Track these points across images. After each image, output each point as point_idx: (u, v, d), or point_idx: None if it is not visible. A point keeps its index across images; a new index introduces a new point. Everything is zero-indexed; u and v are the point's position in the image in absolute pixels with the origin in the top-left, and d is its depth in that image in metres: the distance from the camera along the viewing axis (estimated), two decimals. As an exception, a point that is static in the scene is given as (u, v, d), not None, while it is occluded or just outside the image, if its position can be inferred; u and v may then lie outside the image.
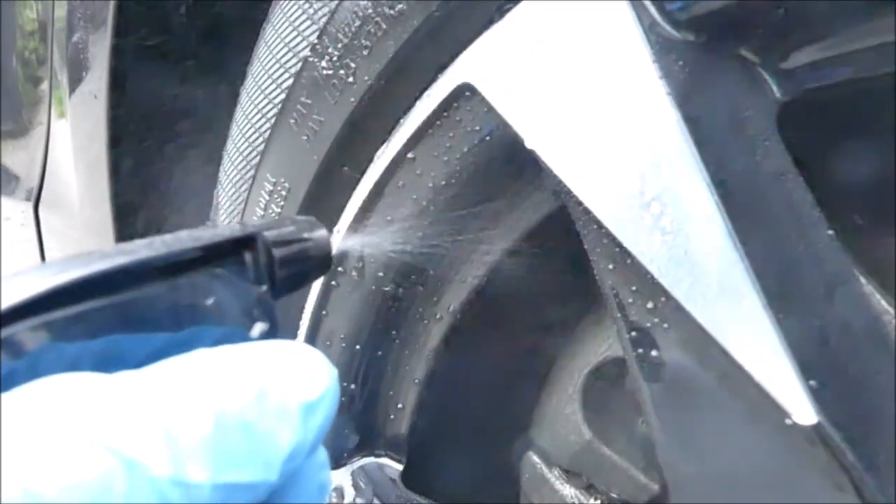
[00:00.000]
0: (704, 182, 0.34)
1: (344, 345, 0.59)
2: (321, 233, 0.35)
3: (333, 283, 0.57)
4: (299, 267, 0.34)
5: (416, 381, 0.61)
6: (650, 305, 0.37)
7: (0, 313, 0.25)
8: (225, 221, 0.61)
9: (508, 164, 0.47)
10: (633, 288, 0.38)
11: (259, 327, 0.31)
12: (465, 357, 0.62)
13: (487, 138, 0.45)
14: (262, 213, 0.56)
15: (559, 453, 0.65)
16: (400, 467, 0.64)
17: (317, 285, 0.57)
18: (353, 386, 0.60)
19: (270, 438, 0.26)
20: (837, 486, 0.33)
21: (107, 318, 0.27)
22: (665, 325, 0.36)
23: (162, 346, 0.28)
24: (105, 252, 0.28)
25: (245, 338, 0.30)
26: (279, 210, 0.55)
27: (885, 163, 0.41)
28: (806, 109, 0.38)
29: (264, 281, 0.31)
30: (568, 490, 0.66)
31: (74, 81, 0.87)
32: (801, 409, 0.33)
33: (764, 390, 0.33)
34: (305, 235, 0.34)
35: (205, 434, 0.25)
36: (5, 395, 0.24)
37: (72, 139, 0.91)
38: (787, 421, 0.33)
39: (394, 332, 0.59)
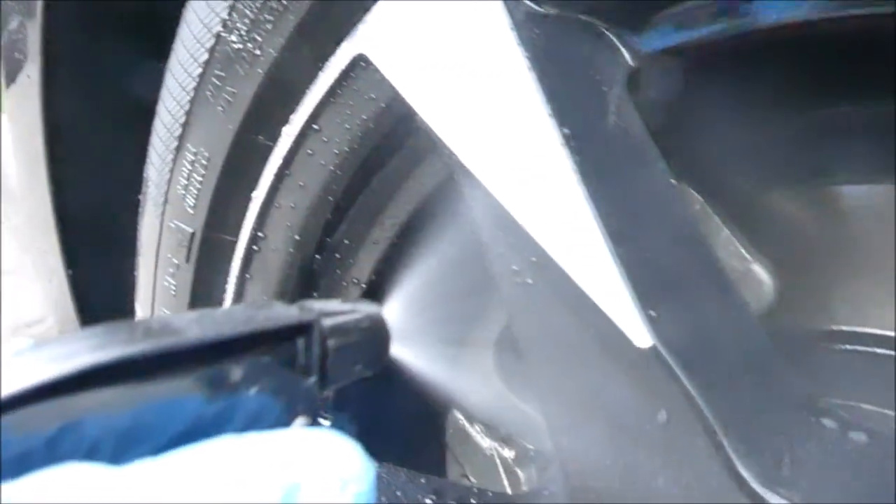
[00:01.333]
0: (558, 136, 0.39)
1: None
2: (382, 325, 0.33)
3: (255, 247, 0.60)
4: (353, 360, 0.31)
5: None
6: (520, 248, 0.41)
7: (19, 393, 0.23)
8: (154, 194, 0.64)
9: (407, 131, 0.51)
10: (503, 235, 0.42)
11: (302, 419, 0.29)
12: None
13: (384, 106, 0.49)
14: (185, 182, 0.60)
15: (478, 407, 0.70)
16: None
17: (240, 250, 0.61)
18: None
19: None
20: (674, 404, 0.38)
21: (139, 396, 0.25)
22: (532, 259, 0.40)
23: (191, 424, 0.26)
24: (150, 327, 0.26)
25: (280, 420, 0.28)
26: (200, 179, 0.59)
27: (732, 125, 0.46)
28: (658, 73, 0.43)
29: (313, 371, 0.30)
30: (488, 443, 0.71)
31: (11, 71, 0.89)
32: (639, 335, 0.37)
33: (608, 318, 0.38)
34: (365, 326, 0.32)
35: None
36: (6, 486, 0.22)
37: (10, 128, 0.94)
38: (628, 345, 0.38)
39: (315, 296, 0.63)
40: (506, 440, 0.70)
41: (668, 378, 0.37)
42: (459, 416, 0.73)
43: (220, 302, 0.64)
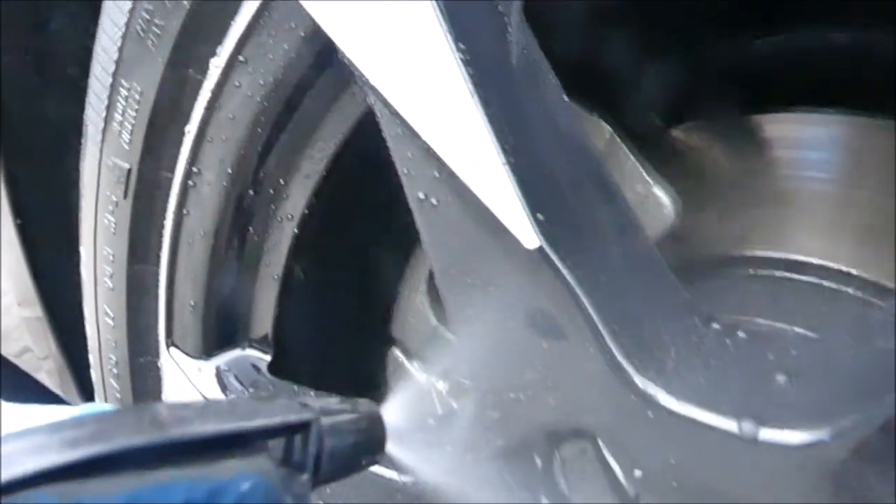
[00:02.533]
0: (456, 54, 0.41)
1: (205, 243, 0.64)
2: (379, 426, 0.34)
3: (191, 182, 0.62)
4: (346, 459, 0.32)
5: (276, 277, 0.67)
6: (425, 165, 0.44)
7: (21, 478, 0.24)
8: (93, 133, 0.65)
9: (330, 61, 0.53)
10: (411, 154, 0.44)
11: None
12: (321, 253, 0.68)
13: (304, 36, 0.51)
14: (120, 118, 0.61)
15: (412, 342, 0.72)
16: (267, 358, 0.70)
17: (176, 185, 0.62)
18: (215, 281, 0.66)
19: None
20: (561, 302, 0.40)
21: (136, 481, 0.26)
22: (436, 175, 0.43)
23: None
24: (158, 416, 0.27)
25: None
26: (134, 115, 0.60)
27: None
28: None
29: (307, 469, 0.30)
30: (424, 378, 0.74)
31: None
32: (528, 237, 0.40)
33: (501, 223, 0.40)
34: (363, 427, 0.33)
35: None
36: None
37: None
38: (519, 247, 0.40)
39: (251, 230, 0.65)
40: (441, 374, 0.73)
41: (555, 277, 0.40)
42: (399, 353, 0.75)
43: (158, 239, 0.66)
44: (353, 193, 0.63)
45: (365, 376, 0.76)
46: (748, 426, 0.37)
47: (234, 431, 0.28)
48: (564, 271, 0.40)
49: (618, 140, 0.53)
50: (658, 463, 0.40)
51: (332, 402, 0.34)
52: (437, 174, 0.43)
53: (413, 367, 0.75)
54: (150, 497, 0.26)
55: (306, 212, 0.63)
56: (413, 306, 0.71)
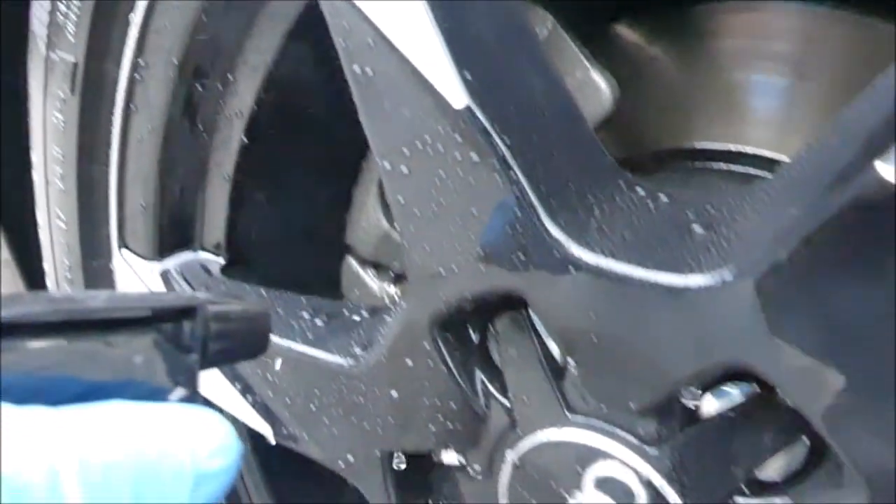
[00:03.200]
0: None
1: (154, 141, 0.64)
2: (264, 320, 0.37)
3: (138, 76, 0.62)
4: (232, 345, 0.35)
5: (227, 177, 0.67)
6: (359, 32, 0.44)
7: None
8: (38, 28, 0.65)
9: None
10: (347, 24, 0.44)
11: (179, 392, 0.32)
12: (272, 154, 0.68)
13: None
14: (65, 8, 0.61)
15: (365, 247, 0.73)
16: (221, 261, 0.71)
17: (123, 80, 0.62)
18: (165, 180, 0.66)
19: (156, 497, 0.27)
20: (486, 160, 0.41)
21: (43, 357, 0.29)
22: (370, 43, 0.43)
23: (86, 390, 0.30)
24: (53, 297, 0.29)
25: (160, 390, 0.32)
26: (79, 3, 0.60)
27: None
28: None
29: (196, 351, 0.33)
30: (377, 284, 0.75)
31: None
32: (456, 96, 0.40)
33: (431, 84, 0.41)
34: (248, 316, 0.36)
35: (90, 482, 0.26)
36: None
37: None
38: (448, 107, 0.41)
39: (200, 128, 0.65)
40: (392, 280, 0.74)
41: (482, 135, 0.40)
42: (353, 262, 0.76)
43: (107, 137, 0.65)
44: (303, 89, 0.63)
45: (320, 285, 0.76)
46: (666, 276, 0.38)
47: (123, 311, 0.31)
48: (492, 131, 0.40)
49: (559, 29, 0.53)
50: (582, 322, 0.41)
51: (220, 295, 0.37)
52: (371, 42, 0.43)
53: (367, 275, 0.76)
54: (57, 382, 0.29)
55: (255, 108, 0.63)
56: (365, 211, 0.71)
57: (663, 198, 0.42)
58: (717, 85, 0.58)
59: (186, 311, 0.33)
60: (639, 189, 0.43)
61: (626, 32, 0.60)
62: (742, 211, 0.37)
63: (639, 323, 0.39)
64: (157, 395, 0.31)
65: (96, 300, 0.31)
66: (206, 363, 0.33)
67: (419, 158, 0.44)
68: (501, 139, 0.40)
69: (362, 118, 0.47)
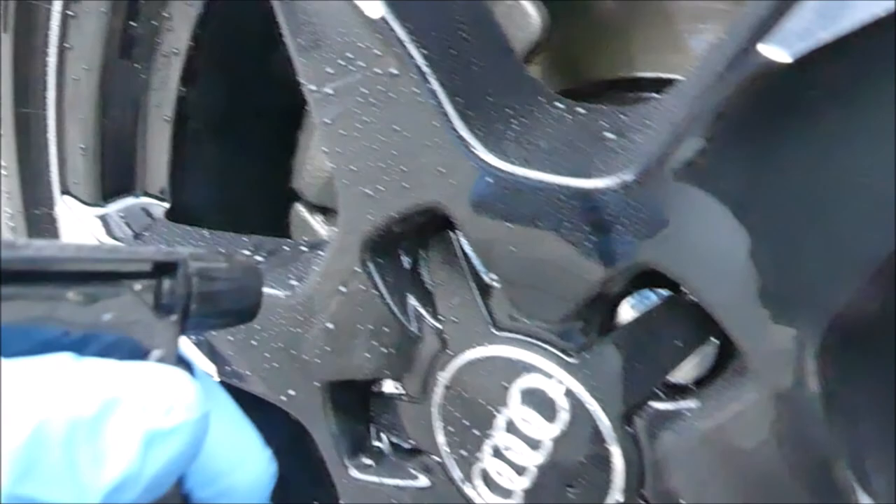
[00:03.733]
0: None
1: (90, 81, 0.64)
2: (255, 281, 0.33)
3: (71, 12, 0.61)
4: (217, 308, 0.32)
5: (167, 118, 0.67)
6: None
7: None
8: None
9: None
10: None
11: (154, 355, 0.29)
12: (212, 94, 0.68)
13: None
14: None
15: (311, 191, 0.73)
16: (165, 206, 0.71)
17: (56, 15, 0.61)
18: (104, 122, 0.65)
19: (96, 461, 0.24)
20: (406, 76, 0.41)
21: (4, 308, 0.26)
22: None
23: (46, 341, 0.27)
24: (15, 244, 0.27)
25: (134, 354, 0.29)
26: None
27: None
28: None
29: (176, 311, 0.30)
30: (326, 230, 0.75)
31: None
32: (372, 7, 0.41)
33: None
34: (237, 277, 0.32)
35: (16, 441, 0.23)
36: None
37: None
38: (365, 18, 0.41)
39: (137, 67, 0.64)
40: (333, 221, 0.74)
41: (399, 47, 0.41)
42: (301, 208, 0.76)
43: (43, 77, 0.65)
44: (242, 25, 0.63)
45: (269, 231, 0.77)
46: (576, 180, 0.38)
47: (93, 264, 0.28)
48: (408, 42, 0.41)
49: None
50: (501, 233, 0.42)
51: (206, 251, 0.34)
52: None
53: (315, 221, 0.76)
54: (15, 332, 0.26)
55: (192, 46, 0.63)
56: (310, 154, 0.71)
57: (580, 110, 0.43)
58: (656, 13, 0.58)
59: (166, 267, 0.30)
60: (558, 103, 0.44)
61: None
62: (650, 115, 0.38)
63: (553, 230, 0.39)
64: (130, 358, 0.28)
65: (66, 251, 0.28)
66: (189, 326, 0.30)
67: (342, 76, 0.45)
68: (419, 50, 0.41)
69: (286, 41, 0.47)
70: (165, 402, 0.26)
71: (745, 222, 0.34)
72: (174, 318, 0.30)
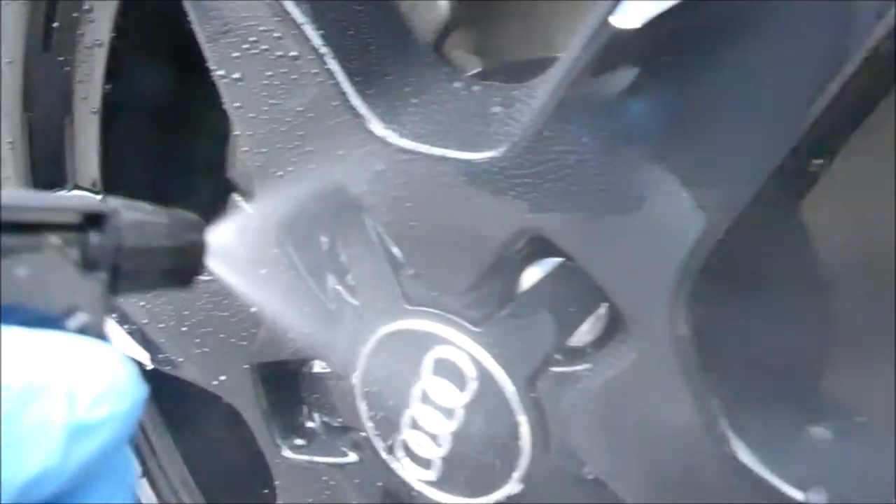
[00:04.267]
0: None
1: (13, 74, 0.64)
2: (198, 237, 0.30)
3: (-11, 6, 0.61)
4: (152, 266, 0.29)
5: (94, 110, 0.67)
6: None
7: None
8: None
9: None
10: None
11: (78, 319, 0.26)
12: (138, 86, 0.68)
13: None
14: None
15: (245, 180, 0.74)
16: (97, 198, 0.71)
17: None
18: (30, 115, 0.66)
19: (11, 453, 0.22)
20: (305, 57, 0.43)
21: None
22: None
23: None
24: None
25: (59, 326, 0.26)
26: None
27: None
28: None
29: (104, 268, 0.27)
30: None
31: None
32: None
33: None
34: (177, 232, 0.29)
35: None
36: None
37: None
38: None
39: (60, 60, 0.65)
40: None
41: (297, 29, 0.42)
42: (238, 198, 0.77)
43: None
44: (165, 14, 0.63)
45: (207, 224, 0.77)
46: (466, 153, 0.40)
47: (8, 213, 0.25)
48: (306, 25, 0.42)
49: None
50: (402, 208, 0.43)
51: (143, 204, 0.31)
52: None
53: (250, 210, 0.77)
54: None
55: (115, 36, 0.63)
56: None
57: (477, 87, 0.44)
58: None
59: (95, 219, 0.26)
60: (456, 81, 0.45)
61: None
62: (535, 90, 0.40)
63: (446, 203, 0.41)
64: (49, 320, 0.25)
65: None
66: (121, 287, 0.27)
67: (248, 61, 0.46)
68: (316, 32, 0.42)
69: (195, 30, 0.48)
70: (94, 388, 0.23)
71: (608, 189, 0.35)
72: (102, 276, 0.27)
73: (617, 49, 0.31)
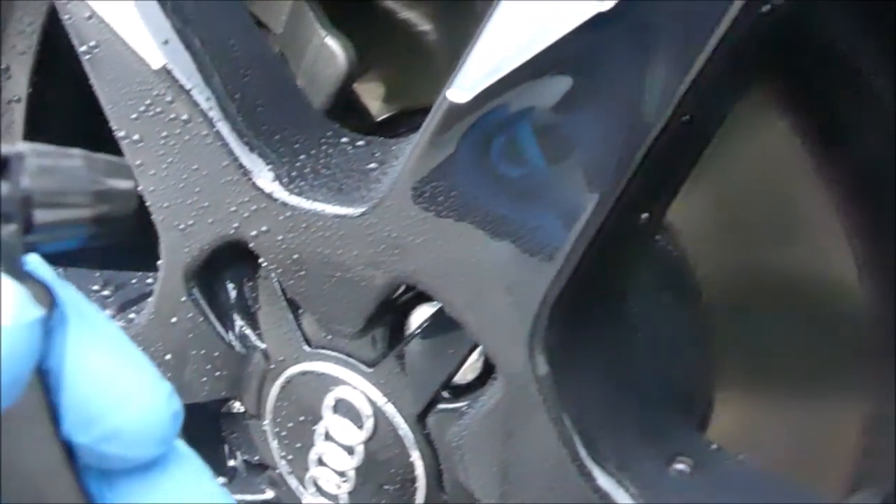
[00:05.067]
0: None
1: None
2: (123, 183, 0.27)
3: None
4: (73, 215, 0.26)
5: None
6: (81, 9, 0.48)
7: None
8: None
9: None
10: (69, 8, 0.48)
11: None
12: (60, 137, 0.71)
13: None
14: None
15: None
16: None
17: None
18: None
19: None
20: (193, 119, 0.45)
21: None
22: (87, 17, 0.47)
23: None
24: None
25: None
26: None
27: None
28: None
29: (14, 220, 0.24)
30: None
31: None
32: (155, 58, 0.45)
33: (133, 50, 0.45)
34: (96, 177, 0.26)
35: None
36: None
37: None
38: (148, 68, 0.45)
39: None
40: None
41: (184, 93, 0.45)
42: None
43: None
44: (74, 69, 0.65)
45: (141, 263, 0.79)
46: (342, 208, 0.43)
47: None
48: (192, 89, 0.45)
49: (300, 1, 0.58)
50: (291, 259, 0.46)
51: (61, 148, 0.28)
52: (88, 16, 0.47)
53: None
54: None
55: (31, 90, 0.65)
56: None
57: (361, 142, 0.47)
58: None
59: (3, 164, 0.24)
60: (343, 137, 0.48)
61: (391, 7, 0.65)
62: (405, 147, 0.43)
63: (330, 253, 0.44)
64: None
65: None
66: (40, 242, 0.25)
67: (145, 123, 0.48)
68: (203, 95, 0.45)
69: (97, 94, 0.50)
70: None
71: (464, 243, 0.39)
72: (12, 228, 0.24)
73: (454, 119, 0.34)
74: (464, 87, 0.33)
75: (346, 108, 0.64)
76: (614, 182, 0.32)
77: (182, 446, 0.27)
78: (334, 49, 0.57)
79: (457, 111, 0.34)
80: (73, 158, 0.26)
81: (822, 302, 0.52)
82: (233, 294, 0.55)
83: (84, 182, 0.26)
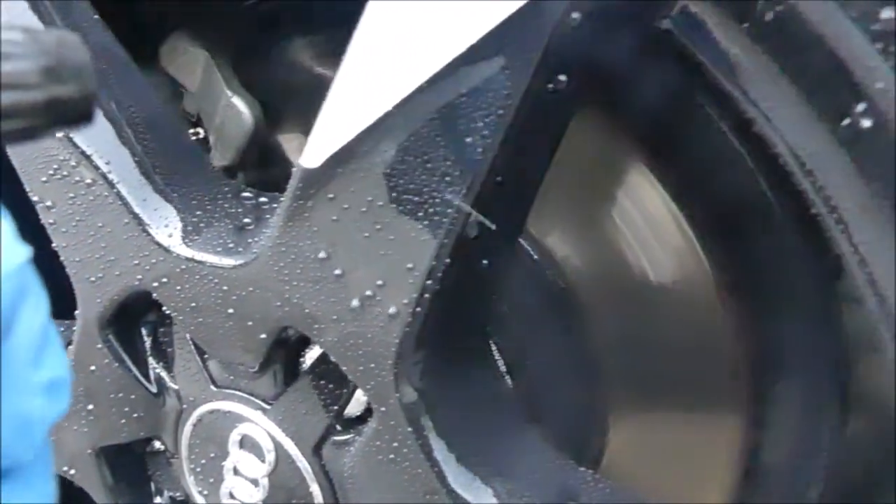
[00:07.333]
0: None
1: None
2: (76, 56, 0.24)
3: None
4: (27, 98, 0.24)
5: None
6: None
7: None
8: None
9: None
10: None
11: None
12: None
13: None
14: None
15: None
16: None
17: None
18: None
19: None
20: (97, 182, 0.50)
21: None
22: None
23: None
24: None
25: None
26: None
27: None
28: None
29: None
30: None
31: None
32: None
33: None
34: (46, 53, 0.24)
35: None
36: None
37: None
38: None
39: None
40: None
41: (85, 159, 0.50)
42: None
43: None
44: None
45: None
46: (228, 260, 0.48)
47: None
48: (92, 155, 0.50)
49: (211, 64, 0.63)
50: (189, 307, 0.51)
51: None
52: None
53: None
54: None
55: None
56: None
57: (263, 199, 0.52)
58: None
59: None
60: (244, 192, 0.53)
61: (297, 53, 0.70)
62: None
63: (221, 301, 0.48)
64: None
65: None
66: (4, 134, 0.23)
67: (54, 185, 0.53)
68: (103, 160, 0.50)
69: (11, 159, 0.55)
70: None
71: (324, 291, 0.43)
72: None
73: (310, 182, 0.39)
74: (314, 153, 0.38)
75: (265, 162, 0.69)
76: (444, 234, 0.37)
77: None
78: (240, 108, 0.62)
79: (311, 176, 0.38)
80: (14, 33, 0.23)
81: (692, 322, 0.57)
82: (148, 339, 0.59)
83: (32, 59, 0.23)
